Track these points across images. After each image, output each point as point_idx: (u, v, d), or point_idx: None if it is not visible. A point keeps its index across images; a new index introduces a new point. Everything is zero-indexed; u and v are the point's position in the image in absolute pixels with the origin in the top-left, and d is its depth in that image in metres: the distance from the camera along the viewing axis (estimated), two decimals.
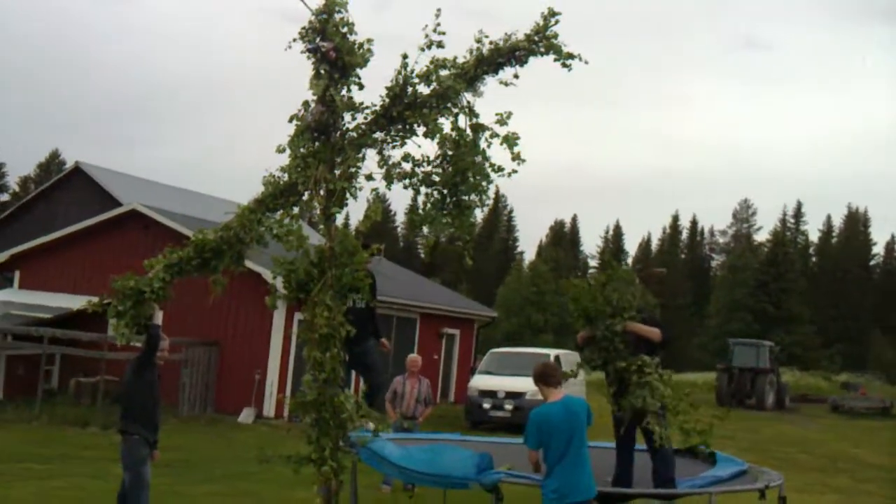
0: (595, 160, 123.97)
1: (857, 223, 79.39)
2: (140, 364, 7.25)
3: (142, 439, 7.10)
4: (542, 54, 7.36)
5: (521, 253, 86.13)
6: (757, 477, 7.83)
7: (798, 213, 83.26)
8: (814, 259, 79.00)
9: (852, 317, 69.74)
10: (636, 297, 7.27)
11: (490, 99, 7.40)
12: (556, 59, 7.30)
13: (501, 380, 20.53)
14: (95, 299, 7.31)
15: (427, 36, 7.25)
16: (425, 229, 7.70)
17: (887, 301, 72.45)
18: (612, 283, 7.17)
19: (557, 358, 21.11)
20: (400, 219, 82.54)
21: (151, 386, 7.22)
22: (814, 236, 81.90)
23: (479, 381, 20.86)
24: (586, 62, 7.27)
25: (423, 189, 7.53)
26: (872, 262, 79.09)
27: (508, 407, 19.86)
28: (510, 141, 7.20)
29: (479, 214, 8.10)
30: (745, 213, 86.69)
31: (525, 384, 20.14)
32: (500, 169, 7.37)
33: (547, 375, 6.58)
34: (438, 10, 7.27)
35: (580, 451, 6.34)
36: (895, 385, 48.36)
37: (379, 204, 7.58)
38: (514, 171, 7.38)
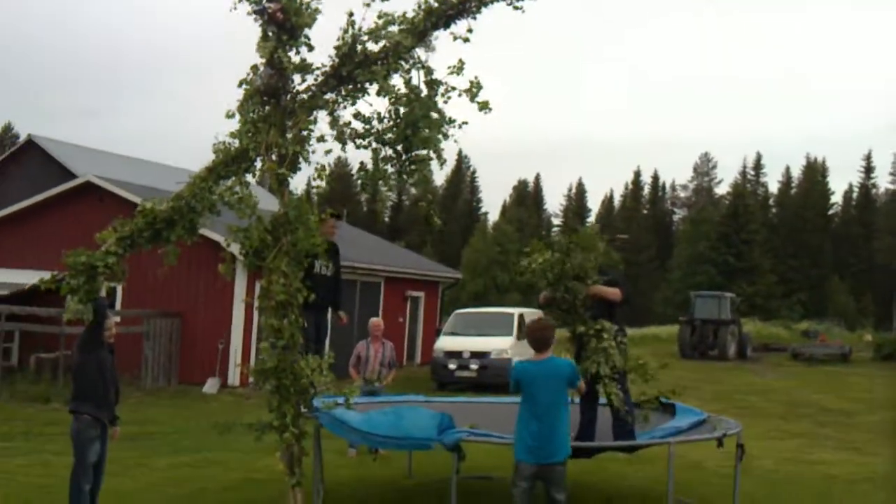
0: (557, 119, 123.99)
1: (815, 173, 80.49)
2: (86, 341, 7.06)
3: (91, 419, 6.96)
4: (491, 1, 7.24)
5: (486, 213, 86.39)
6: (715, 426, 7.96)
7: (758, 166, 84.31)
8: (774, 210, 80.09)
9: (812, 265, 70.99)
10: (598, 261, 7.26)
11: (447, 57, 7.29)
12: (507, 3, 7.19)
13: (466, 340, 20.65)
14: (48, 276, 7.15)
15: None
16: (381, 186, 7.63)
17: (846, 249, 73.82)
18: (575, 250, 7.13)
19: (522, 316, 21.25)
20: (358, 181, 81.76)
21: (101, 363, 7.04)
22: (773, 188, 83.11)
23: (445, 343, 20.95)
24: None
25: (376, 146, 7.45)
26: (831, 212, 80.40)
27: (474, 367, 20.00)
28: (473, 90, 7.10)
29: (442, 176, 7.96)
30: (705, 167, 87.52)
31: (490, 343, 20.35)
32: (452, 120, 7.28)
33: (533, 340, 6.47)
34: None
35: (555, 411, 6.29)
36: (854, 331, 49.44)
37: (324, 167, 7.43)
38: (465, 123, 7.30)
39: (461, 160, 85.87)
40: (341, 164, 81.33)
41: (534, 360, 6.45)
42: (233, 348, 18.16)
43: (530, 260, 7.29)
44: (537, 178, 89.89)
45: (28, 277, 18.24)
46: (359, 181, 7.81)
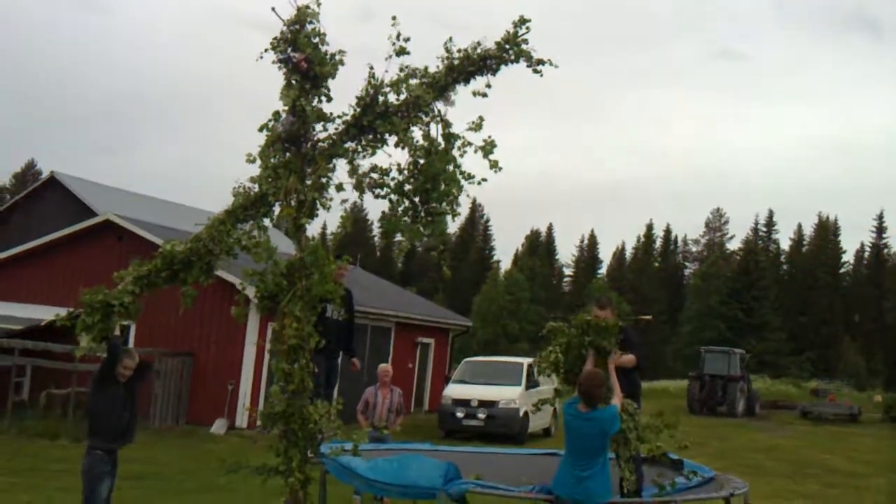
0: (570, 170, 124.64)
1: (827, 232, 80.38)
2: (100, 378, 7.18)
3: (103, 454, 7.04)
4: (512, 62, 7.43)
5: (498, 262, 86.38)
6: (723, 485, 7.93)
7: (770, 222, 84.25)
8: (785, 267, 79.87)
9: (822, 324, 70.54)
10: (617, 341, 7.11)
11: (466, 110, 7.46)
12: (527, 66, 7.38)
13: (475, 388, 20.60)
14: (64, 313, 7.26)
15: (393, 44, 7.32)
16: (399, 236, 7.73)
17: (856, 308, 73.37)
18: (593, 330, 7.03)
19: (531, 366, 21.20)
20: (377, 228, 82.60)
21: (114, 399, 7.13)
22: (785, 245, 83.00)
23: (453, 390, 20.91)
24: (556, 66, 7.36)
25: (394, 198, 7.59)
26: (842, 270, 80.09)
27: (481, 416, 19.92)
28: (487, 148, 7.26)
29: (456, 224, 8.07)
30: (717, 222, 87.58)
31: (498, 393, 20.29)
32: (471, 176, 7.42)
33: (585, 395, 6.44)
34: (394, 17, 7.32)
35: (597, 460, 6.34)
36: (864, 391, 48.94)
37: (349, 215, 7.62)
38: (484, 180, 7.44)
39: (475, 208, 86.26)
40: (357, 208, 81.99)
41: (581, 411, 6.43)
42: (242, 390, 18.19)
43: (545, 354, 7.26)
44: (550, 227, 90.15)
45: (44, 313, 18.40)
46: (380, 229, 7.97)
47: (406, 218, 7.52)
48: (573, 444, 6.42)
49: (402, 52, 7.28)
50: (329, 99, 7.47)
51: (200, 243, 7.29)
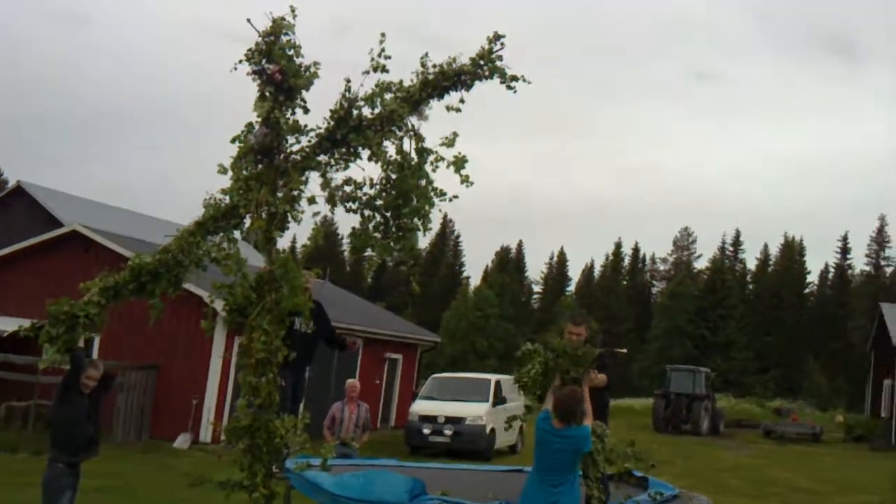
0: (541, 187, 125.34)
1: (793, 252, 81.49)
2: (64, 389, 7.09)
3: (64, 467, 6.94)
4: (486, 77, 7.47)
5: (468, 278, 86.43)
6: (687, 502, 7.99)
7: (737, 242, 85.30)
8: (751, 286, 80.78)
9: (787, 343, 71.40)
10: (590, 367, 7.12)
11: (438, 126, 7.48)
12: (501, 82, 7.42)
13: (442, 405, 20.57)
14: (28, 323, 7.15)
15: (373, 59, 7.33)
16: (369, 251, 7.70)
17: (821, 328, 74.38)
18: (569, 359, 7.04)
19: (499, 383, 21.23)
20: (347, 242, 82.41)
21: (77, 410, 7.05)
22: (751, 264, 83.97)
23: (420, 406, 20.87)
24: (529, 82, 7.40)
25: (366, 212, 7.58)
26: (807, 290, 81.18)
27: (448, 432, 19.89)
28: (459, 164, 7.28)
29: (426, 239, 8.09)
30: (685, 241, 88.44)
31: (465, 409, 20.27)
32: (443, 193, 7.43)
33: (560, 412, 6.36)
34: (383, 34, 7.34)
35: (566, 479, 6.31)
36: (826, 411, 49.54)
37: (320, 229, 7.58)
38: (455, 197, 7.45)
39: (445, 224, 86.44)
40: (327, 222, 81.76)
41: (556, 427, 6.37)
42: (207, 405, 18.00)
43: (522, 373, 7.26)
44: (520, 244, 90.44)
45: (7, 324, 18.11)
46: (350, 245, 7.96)
47: (377, 233, 7.52)
48: (544, 459, 6.40)
49: (380, 68, 7.30)
50: (306, 111, 7.46)
51: (169, 255, 7.23)
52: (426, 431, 20.05)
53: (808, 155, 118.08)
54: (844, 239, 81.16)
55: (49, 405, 14.64)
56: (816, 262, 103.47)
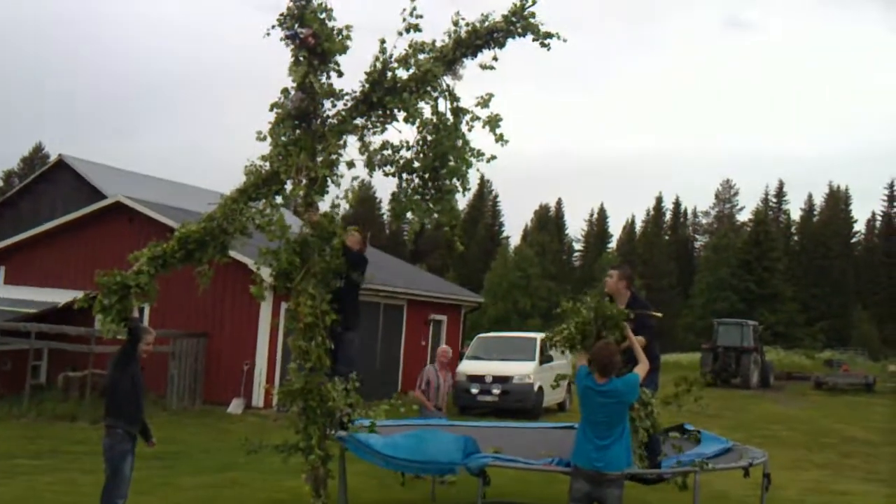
0: (579, 144, 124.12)
1: (838, 201, 79.94)
2: (121, 358, 7.21)
3: (124, 433, 7.08)
4: (519, 35, 7.37)
5: (507, 238, 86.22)
6: (741, 455, 7.93)
7: (780, 193, 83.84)
8: (796, 238, 79.51)
9: (835, 294, 70.32)
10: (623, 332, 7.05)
11: (472, 84, 7.41)
12: (534, 39, 7.30)
13: (489, 365, 20.61)
14: (81, 295, 7.27)
15: (405, 20, 7.26)
16: (409, 215, 7.67)
17: (869, 278, 73.09)
18: (602, 319, 6.99)
19: (544, 341, 21.21)
20: (386, 206, 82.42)
21: (133, 379, 7.19)
22: (796, 215, 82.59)
23: (467, 366, 20.93)
24: (564, 40, 7.28)
25: (404, 175, 7.55)
26: (854, 240, 79.70)
27: (496, 391, 19.94)
28: (493, 122, 7.21)
29: (464, 200, 8.02)
30: (727, 194, 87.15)
31: (512, 368, 20.29)
32: (481, 154, 7.37)
33: (599, 365, 6.32)
34: None
35: (614, 429, 6.29)
36: (877, 361, 48.86)
37: (356, 191, 7.58)
38: (494, 157, 7.40)
39: (483, 185, 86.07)
40: (365, 186, 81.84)
41: (597, 382, 6.35)
42: (258, 369, 18.25)
43: (558, 330, 7.22)
44: (559, 202, 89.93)
45: (57, 296, 18.51)
46: (389, 209, 7.90)
47: (416, 196, 7.48)
48: (590, 415, 6.38)
49: (413, 28, 7.23)
50: (340, 74, 7.44)
51: (214, 223, 7.30)
52: (474, 391, 20.13)
53: (851, 101, 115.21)
54: (891, 186, 79.49)
55: (103, 374, 14.99)
56: (863, 211, 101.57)
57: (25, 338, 17.09)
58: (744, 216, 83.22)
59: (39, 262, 20.55)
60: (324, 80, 7.45)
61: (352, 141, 7.51)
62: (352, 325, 7.71)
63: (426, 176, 7.47)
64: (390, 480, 9.83)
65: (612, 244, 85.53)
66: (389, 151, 7.52)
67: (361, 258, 7.72)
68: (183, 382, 17.98)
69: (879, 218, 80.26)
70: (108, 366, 7.60)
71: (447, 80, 7.41)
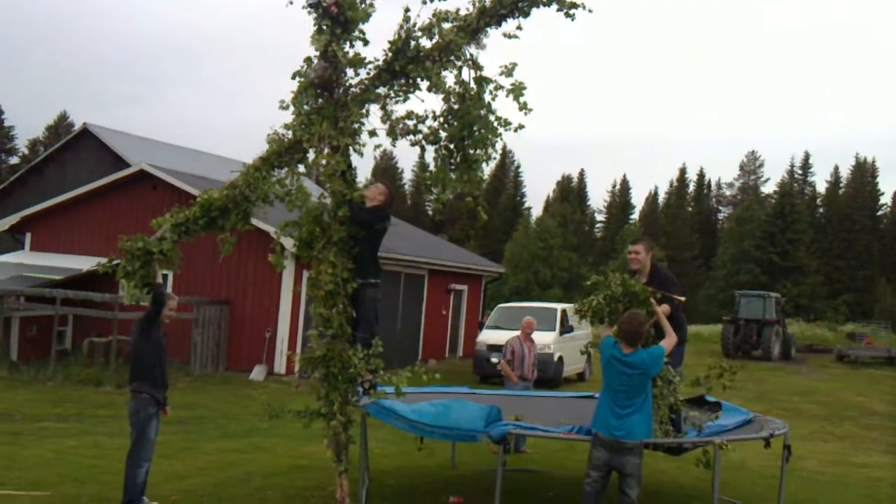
0: (602, 114, 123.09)
1: (864, 173, 78.93)
2: (146, 323, 7.31)
3: (150, 397, 7.18)
4: (544, 4, 7.27)
5: (529, 209, 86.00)
6: (762, 426, 7.92)
7: (806, 165, 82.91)
8: (821, 210, 78.69)
9: (859, 266, 69.66)
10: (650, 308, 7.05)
11: (496, 54, 7.34)
12: (559, 9, 7.21)
13: (509, 334, 20.60)
14: (105, 260, 7.33)
15: None
16: (437, 188, 7.61)
17: (894, 251, 72.29)
18: (627, 296, 7.01)
19: (564, 312, 21.22)
20: (407, 176, 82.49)
21: (157, 344, 7.29)
22: (821, 187, 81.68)
23: (488, 336, 21.00)
24: (590, 11, 7.18)
25: (427, 146, 7.51)
26: (880, 213, 78.79)
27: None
28: (517, 91, 7.14)
29: (487, 170, 7.96)
30: (752, 166, 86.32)
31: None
32: (507, 123, 7.31)
33: (627, 335, 6.39)
34: None
35: (636, 399, 6.35)
36: None
37: (376, 161, 7.55)
38: (522, 126, 7.33)
39: (505, 155, 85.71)
40: (386, 156, 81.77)
41: (623, 352, 6.39)
42: (280, 336, 18.42)
43: (583, 303, 7.22)
44: (581, 173, 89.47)
45: (81, 263, 18.73)
46: (414, 180, 7.85)
47: (444, 168, 7.45)
48: (613, 383, 6.40)
49: None
50: (365, 42, 7.39)
51: (237, 190, 7.32)
52: (494, 360, 20.18)
53: (879, 71, 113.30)
54: None
55: (127, 340, 15.19)
56: (889, 184, 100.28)
57: (51, 304, 17.32)
58: (768, 188, 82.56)
59: (64, 230, 20.77)
60: (347, 48, 7.41)
61: (374, 110, 7.48)
62: (371, 275, 7.36)
63: (452, 146, 7.44)
64: (410, 446, 9.95)
65: (635, 215, 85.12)
66: (414, 122, 7.48)
67: (381, 211, 7.52)
68: (206, 349, 18.19)
69: None
70: (132, 331, 7.69)
71: (471, 49, 7.35)
